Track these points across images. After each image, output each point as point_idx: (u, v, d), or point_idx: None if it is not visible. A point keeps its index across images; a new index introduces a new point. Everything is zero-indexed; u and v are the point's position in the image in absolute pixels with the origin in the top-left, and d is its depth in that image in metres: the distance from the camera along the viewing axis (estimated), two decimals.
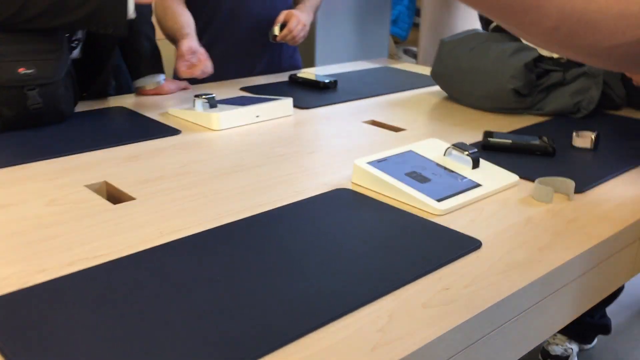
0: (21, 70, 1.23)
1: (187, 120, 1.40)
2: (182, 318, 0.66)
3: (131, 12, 1.27)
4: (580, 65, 1.49)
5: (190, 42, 1.52)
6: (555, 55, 1.51)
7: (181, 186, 1.04)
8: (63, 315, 0.66)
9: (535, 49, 1.53)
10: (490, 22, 1.67)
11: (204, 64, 1.52)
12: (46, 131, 1.28)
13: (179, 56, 1.51)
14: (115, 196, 1.02)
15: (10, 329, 0.64)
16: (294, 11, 1.77)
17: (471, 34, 1.63)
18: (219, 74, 1.81)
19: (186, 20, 1.61)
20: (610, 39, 0.41)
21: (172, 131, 1.32)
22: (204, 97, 1.42)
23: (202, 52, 1.53)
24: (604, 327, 1.98)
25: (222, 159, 1.18)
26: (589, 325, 1.97)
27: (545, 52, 1.51)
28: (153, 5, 1.60)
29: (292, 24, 1.73)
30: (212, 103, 1.42)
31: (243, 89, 1.72)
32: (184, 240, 0.84)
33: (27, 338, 0.62)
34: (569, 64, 1.50)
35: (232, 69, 1.84)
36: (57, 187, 1.02)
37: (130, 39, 1.51)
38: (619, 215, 0.96)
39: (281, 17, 1.75)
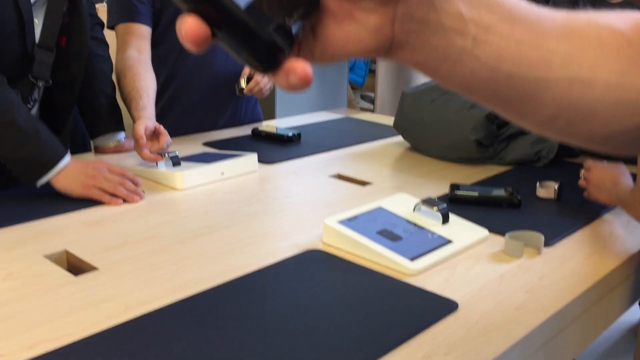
0: None
1: (150, 180, 1.37)
2: None
3: (41, 183, 1.20)
4: None
5: (145, 122, 1.40)
6: None
7: (146, 253, 1.00)
8: None
9: None
10: None
11: (163, 141, 1.43)
12: (1, 196, 1.23)
13: (135, 140, 1.39)
14: (76, 266, 0.98)
15: None
16: None
17: (432, 86, 1.66)
18: (182, 129, 1.79)
19: (144, 87, 1.52)
20: (608, 126, 0.41)
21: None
22: (167, 155, 1.39)
23: (158, 127, 1.44)
24: None
25: (188, 220, 1.15)
26: None
27: None
28: (114, 62, 1.57)
29: (259, 76, 1.73)
30: (176, 161, 1.39)
31: (206, 144, 1.70)
32: (151, 315, 0.80)
33: None
34: None
35: (194, 123, 1.82)
36: (15, 259, 0.97)
37: (88, 96, 1.48)
38: (589, 270, 0.97)
39: (247, 70, 1.75)
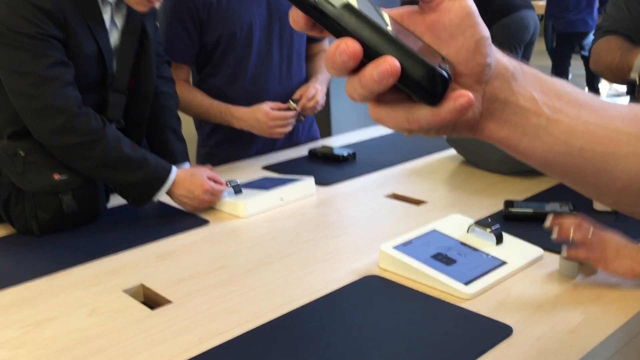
0: (56, 177, 1.29)
1: (214, 208, 1.45)
2: None
3: (157, 199, 1.38)
4: None
5: (265, 106, 1.74)
6: None
7: (216, 284, 1.07)
8: None
9: None
10: None
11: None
12: (81, 232, 1.33)
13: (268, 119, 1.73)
14: (152, 299, 1.06)
15: None
16: (306, 84, 1.84)
17: None
18: (242, 154, 1.87)
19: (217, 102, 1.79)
20: None
21: (201, 222, 1.37)
22: (228, 184, 1.46)
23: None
24: None
25: (252, 250, 1.22)
26: None
27: None
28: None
29: (308, 92, 1.79)
30: (237, 189, 1.47)
31: (265, 167, 1.77)
32: (222, 347, 0.87)
33: None
34: None
35: (254, 147, 1.90)
36: (97, 294, 1.06)
37: (156, 132, 1.58)
38: None
39: (297, 94, 1.82)
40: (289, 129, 1.78)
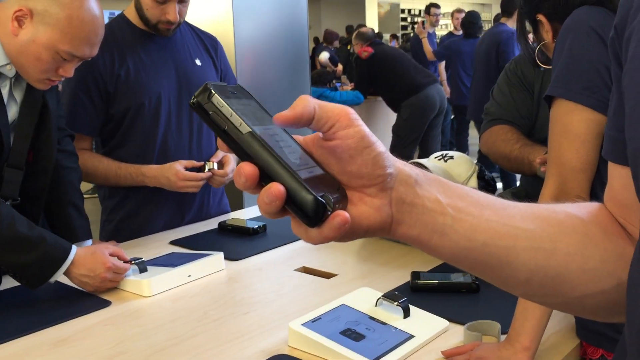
0: None
1: (116, 287, 1.38)
2: None
3: (54, 280, 1.30)
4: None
5: (176, 165, 1.72)
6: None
7: None
8: None
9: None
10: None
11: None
12: None
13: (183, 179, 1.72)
14: None
15: None
16: (230, 156, 1.83)
17: None
18: (150, 229, 1.81)
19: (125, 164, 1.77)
20: (577, 290, 0.50)
21: (102, 303, 1.30)
22: (132, 262, 1.41)
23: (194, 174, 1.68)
24: None
25: (155, 331, 1.16)
26: None
27: None
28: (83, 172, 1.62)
29: (227, 169, 1.79)
30: (142, 267, 1.41)
31: (173, 242, 1.72)
32: None
33: None
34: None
35: (162, 222, 1.84)
36: None
37: (57, 208, 1.51)
38: (547, 356, 1.01)
39: (219, 155, 1.81)
40: (199, 188, 1.76)
